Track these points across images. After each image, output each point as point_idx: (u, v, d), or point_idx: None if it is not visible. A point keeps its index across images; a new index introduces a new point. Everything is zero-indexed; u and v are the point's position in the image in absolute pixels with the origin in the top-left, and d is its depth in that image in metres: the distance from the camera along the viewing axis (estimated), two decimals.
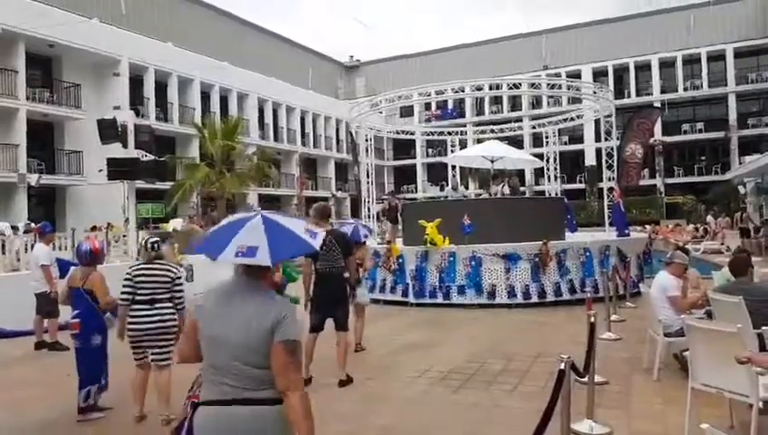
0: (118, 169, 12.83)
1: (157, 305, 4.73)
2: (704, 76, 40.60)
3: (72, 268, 6.58)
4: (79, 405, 4.91)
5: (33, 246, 10.63)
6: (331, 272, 5.55)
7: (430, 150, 46.59)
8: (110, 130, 12.87)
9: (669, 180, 40.07)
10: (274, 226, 2.26)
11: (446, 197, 15.67)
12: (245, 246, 2.14)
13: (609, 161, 14.90)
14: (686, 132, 40.95)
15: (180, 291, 4.87)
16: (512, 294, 10.24)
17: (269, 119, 37.15)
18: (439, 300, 10.49)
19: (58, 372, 6.59)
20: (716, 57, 40.28)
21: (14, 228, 17.58)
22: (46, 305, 7.97)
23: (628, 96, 41.08)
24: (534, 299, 10.21)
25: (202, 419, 2.19)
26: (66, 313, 7.65)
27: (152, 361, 4.80)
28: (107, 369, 5.08)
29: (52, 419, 5.03)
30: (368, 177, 16.93)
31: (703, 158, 40.77)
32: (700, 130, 40.60)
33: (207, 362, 2.22)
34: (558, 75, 35.23)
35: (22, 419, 4.99)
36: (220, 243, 2.21)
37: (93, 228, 19.58)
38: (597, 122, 20.64)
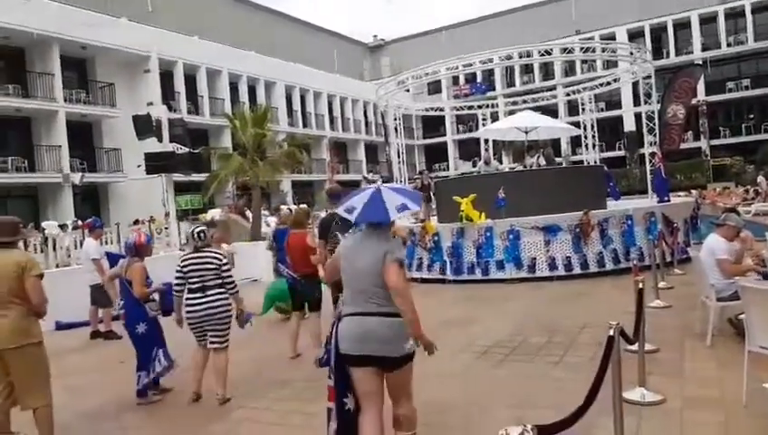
0: (155, 164, 13.12)
1: (208, 293, 4.86)
2: (749, 30, 38.52)
3: (121, 260, 6.80)
4: (136, 389, 5.14)
5: (82, 242, 11.05)
6: None
7: (460, 127, 45.97)
8: (145, 126, 13.15)
9: (715, 142, 38.46)
10: (397, 190, 3.30)
11: (479, 172, 15.40)
12: (398, 205, 3.09)
13: (651, 125, 14.39)
14: (731, 90, 39.08)
15: (230, 276, 4.99)
16: (553, 266, 10.04)
17: (297, 105, 37.32)
18: (478, 276, 10.38)
19: (113, 360, 6.86)
20: (762, 8, 38.09)
21: (62, 226, 18.29)
22: (100, 296, 8.25)
23: (667, 56, 39.42)
24: (577, 270, 9.98)
25: (346, 324, 3.05)
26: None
27: (210, 344, 4.94)
28: (163, 353, 5.22)
29: (107, 403, 5.22)
30: (398, 156, 16.82)
31: (751, 116, 38.93)
32: (746, 88, 38.69)
33: (350, 288, 3.09)
34: (591, 39, 34.09)
35: (80, 403, 5.19)
36: (379, 213, 3.10)
37: (136, 222, 20.20)
38: (635, 86, 19.94)
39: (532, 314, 7.50)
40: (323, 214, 6.06)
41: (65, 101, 24.38)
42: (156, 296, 5.17)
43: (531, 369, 5.21)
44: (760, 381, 3.70)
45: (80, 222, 17.87)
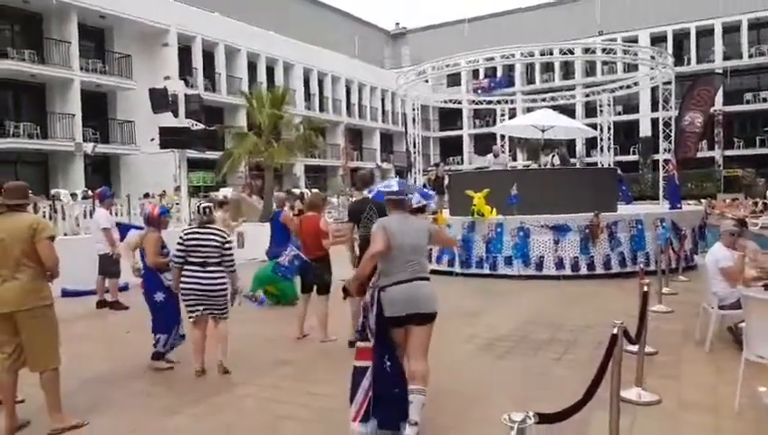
0: (170, 138, 13.18)
1: (208, 269, 4.94)
2: None
3: (133, 230, 6.92)
4: (153, 350, 5.29)
5: (92, 212, 11.19)
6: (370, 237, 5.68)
7: (477, 121, 45.80)
8: (161, 100, 13.19)
9: (728, 152, 38.14)
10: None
11: (488, 165, 15.35)
12: (393, 189, 3.97)
13: (667, 131, 14.33)
14: (748, 102, 38.65)
15: (230, 255, 5.05)
16: (560, 265, 10.10)
17: (314, 89, 37.27)
18: (485, 271, 10.45)
19: (118, 330, 7.00)
20: None
21: (73, 195, 18.48)
22: (108, 266, 8.39)
23: (688, 63, 39.00)
24: (584, 271, 10.04)
25: (398, 290, 3.58)
26: (126, 275, 8.13)
27: (211, 314, 5.07)
28: (179, 323, 5.37)
29: (112, 370, 5.34)
30: (414, 147, 16.84)
31: (766, 129, 38.52)
32: (764, 100, 38.25)
33: (399, 260, 3.63)
34: (614, 41, 33.78)
35: (86, 369, 5.31)
36: (401, 192, 3.98)
37: (146, 195, 20.35)
38: (653, 91, 19.82)
39: (537, 311, 7.58)
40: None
41: (81, 69, 24.45)
42: (172, 265, 5.27)
43: (532, 363, 5.30)
44: (754, 388, 3.77)
45: (90, 192, 18.04)
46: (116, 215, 13.40)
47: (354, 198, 6.69)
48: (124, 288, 8.86)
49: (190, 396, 4.60)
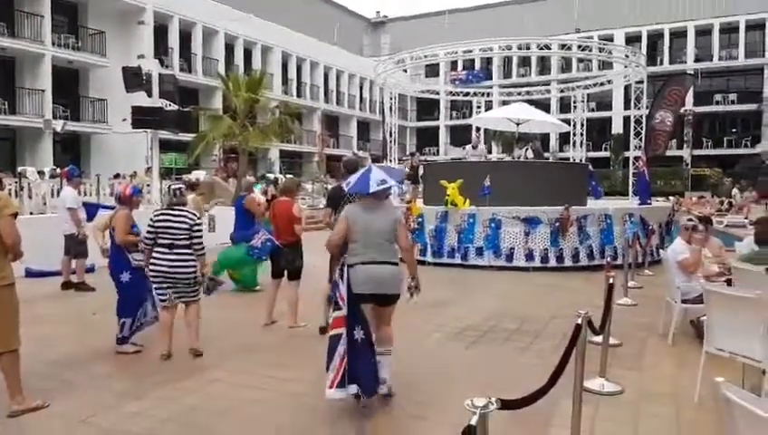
0: (142, 118, 12.89)
1: (175, 250, 4.87)
2: (741, 46, 39.02)
3: (102, 211, 6.76)
4: (117, 335, 5.19)
5: (59, 191, 10.90)
6: None
7: (454, 113, 45.97)
8: (134, 78, 12.88)
9: (697, 152, 39.13)
10: (384, 167, 4.53)
11: (466, 155, 15.47)
12: (378, 180, 3.98)
13: (638, 129, 14.61)
14: (717, 103, 39.67)
15: (199, 237, 4.99)
16: (530, 257, 10.26)
17: (293, 74, 36.88)
18: (457, 261, 10.56)
19: (84, 311, 6.86)
20: (755, 26, 38.61)
21: (41, 173, 17.97)
22: (75, 247, 8.21)
23: (661, 63, 39.78)
24: (552, 263, 10.22)
25: (361, 270, 3.88)
26: (93, 256, 7.95)
27: (181, 299, 5.01)
28: (151, 304, 5.28)
29: (77, 353, 5.24)
30: (390, 136, 16.82)
31: (733, 130, 39.62)
32: (732, 102, 39.32)
33: (363, 243, 3.94)
34: (590, 38, 34.20)
35: (49, 352, 5.20)
36: (364, 185, 4.04)
37: (116, 176, 19.91)
38: (627, 90, 20.14)
39: (506, 302, 7.68)
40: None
41: (53, 45, 23.73)
42: (142, 246, 5.18)
43: (500, 353, 5.38)
44: (714, 380, 3.89)
45: (58, 170, 17.57)
46: (85, 194, 13.10)
47: (331, 185, 6.67)
48: (90, 269, 8.67)
49: (155, 380, 4.53)
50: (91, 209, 8.47)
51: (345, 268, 3.89)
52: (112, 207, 6.58)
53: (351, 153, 38.88)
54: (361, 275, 3.88)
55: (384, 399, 4.03)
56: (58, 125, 23.03)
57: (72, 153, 25.18)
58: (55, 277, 8.54)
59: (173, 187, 5.23)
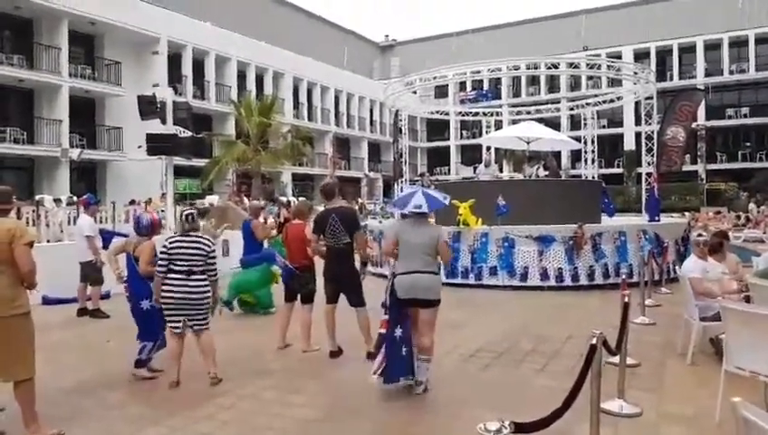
0: (157, 145, 13.11)
1: (193, 277, 4.86)
2: (751, 59, 38.87)
3: (116, 238, 6.83)
4: (135, 358, 5.20)
5: (76, 218, 11.06)
6: (336, 247, 5.71)
7: (464, 132, 46.12)
8: (149, 107, 13.13)
9: (711, 166, 38.78)
10: (427, 194, 4.89)
11: (477, 175, 15.47)
12: (415, 205, 4.68)
13: (649, 145, 14.53)
14: (730, 117, 39.42)
15: (213, 264, 4.99)
16: (544, 276, 10.15)
17: (303, 98, 37.35)
18: (471, 281, 10.46)
19: (99, 338, 6.90)
20: (765, 40, 38.46)
21: (57, 201, 18.25)
22: (91, 274, 8.28)
23: (671, 79, 39.71)
24: (567, 282, 10.10)
25: (403, 279, 4.58)
26: (109, 283, 8.02)
27: (192, 328, 4.99)
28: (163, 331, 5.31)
29: (91, 380, 5.25)
30: (401, 157, 16.90)
31: (747, 144, 39.27)
32: (745, 115, 39.03)
33: (406, 255, 4.63)
34: (598, 56, 34.30)
35: (64, 379, 5.22)
36: (405, 203, 4.80)
37: (132, 202, 20.16)
38: (637, 106, 20.11)
39: (521, 322, 7.60)
40: (322, 208, 6.16)
41: (70, 75, 24.32)
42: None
43: (515, 374, 5.30)
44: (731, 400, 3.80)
45: (75, 198, 17.84)
46: (100, 222, 13.27)
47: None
48: (106, 296, 8.75)
49: (168, 407, 4.53)
50: (107, 236, 8.57)
51: (392, 277, 4.68)
52: (126, 235, 6.67)
53: (363, 174, 39.19)
54: (404, 283, 4.57)
55: (419, 395, 4.64)
56: (74, 154, 23.47)
57: (88, 181, 25.61)
58: (71, 304, 8.60)
59: (185, 212, 5.25)
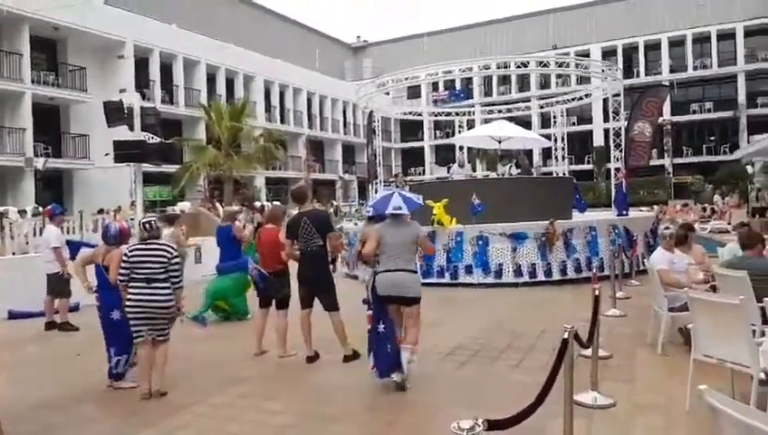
0: (125, 152, 12.80)
1: (153, 285, 4.77)
2: (713, 55, 40.03)
3: (84, 248, 6.66)
4: (109, 372, 5.10)
5: (42, 229, 10.76)
6: (309, 250, 5.68)
7: (438, 132, 46.39)
8: (116, 113, 12.84)
9: (678, 160, 39.76)
10: (404, 195, 5.22)
11: (451, 174, 15.58)
12: (395, 206, 4.93)
13: (618, 141, 14.80)
14: (695, 112, 40.52)
15: (176, 270, 4.91)
16: (518, 272, 10.27)
17: (275, 101, 37.08)
18: (446, 280, 10.52)
19: (68, 352, 6.72)
20: (726, 36, 39.66)
21: (22, 212, 17.76)
22: (58, 286, 8.06)
23: (638, 76, 40.62)
24: (541, 278, 10.24)
25: (384, 277, 4.80)
26: (76, 295, 7.82)
27: (151, 336, 4.89)
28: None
29: (61, 395, 5.11)
30: (375, 158, 16.89)
31: (712, 138, 40.39)
32: (709, 110, 40.16)
33: (388, 254, 4.84)
34: (567, 54, 34.87)
35: (31, 394, 5.08)
36: (384, 206, 5.07)
37: (101, 211, 19.75)
38: (605, 103, 20.48)
39: (496, 319, 7.67)
40: (296, 211, 6.10)
41: (33, 82, 23.70)
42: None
43: (491, 371, 5.34)
44: (698, 388, 3.90)
45: (40, 208, 17.39)
46: (67, 232, 12.94)
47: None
48: (75, 309, 8.54)
49: (142, 418, 4.44)
50: (74, 247, 8.37)
51: (373, 275, 4.95)
52: (94, 245, 6.52)
53: (337, 176, 39.01)
54: (385, 281, 4.78)
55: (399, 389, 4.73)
56: (39, 163, 22.86)
57: (54, 190, 24.97)
58: (39, 318, 8.35)
59: (143, 220, 5.19)
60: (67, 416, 4.56)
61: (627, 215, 12.65)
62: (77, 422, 4.43)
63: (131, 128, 12.89)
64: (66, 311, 8.17)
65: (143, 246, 4.92)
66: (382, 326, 4.78)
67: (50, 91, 24.37)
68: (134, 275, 4.80)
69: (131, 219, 14.94)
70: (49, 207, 9.51)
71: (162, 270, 4.82)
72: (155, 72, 28.84)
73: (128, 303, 4.82)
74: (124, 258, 4.87)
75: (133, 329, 4.89)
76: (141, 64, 28.20)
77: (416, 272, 4.96)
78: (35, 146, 23.50)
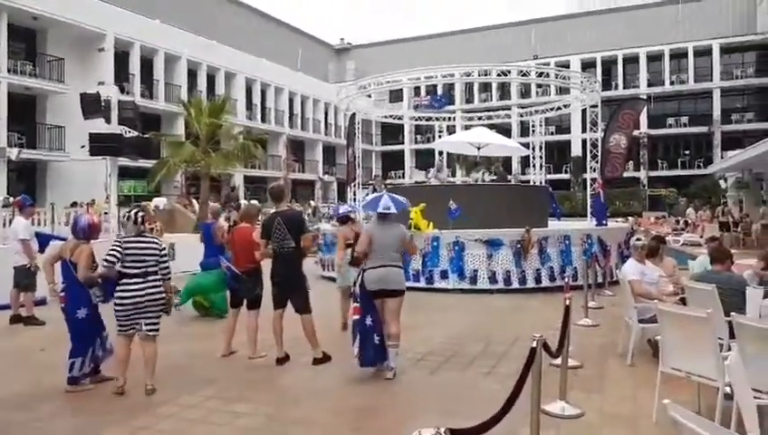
0: (101, 145, 12.59)
1: (149, 278, 4.80)
2: (690, 71, 40.90)
3: (54, 241, 6.48)
4: (67, 375, 4.94)
5: (11, 221, 10.49)
6: (282, 251, 5.64)
7: (418, 137, 46.52)
8: (93, 105, 12.62)
9: (653, 173, 40.49)
10: (392, 197, 6.25)
11: (429, 179, 15.65)
12: (385, 206, 5.37)
13: (594, 151, 15.00)
14: (670, 126, 41.32)
15: (166, 262, 4.94)
16: (493, 279, 10.33)
17: (257, 99, 36.80)
18: (422, 284, 10.52)
19: (33, 347, 6.56)
20: (703, 52, 40.57)
21: None
22: (24, 279, 7.86)
23: (616, 88, 41.30)
24: (515, 285, 10.32)
25: (373, 272, 5.21)
26: (43, 288, 7.61)
27: (145, 331, 4.84)
28: (103, 340, 5.12)
29: (23, 392, 4.98)
30: (355, 160, 16.85)
31: (686, 152, 41.21)
32: (684, 125, 41.00)
33: (377, 252, 5.22)
34: (547, 65, 35.30)
35: None
36: (374, 206, 6.19)
37: (74, 204, 19.35)
38: (583, 114, 20.78)
39: (470, 325, 7.69)
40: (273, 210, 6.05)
41: (9, 71, 23.15)
42: (100, 281, 4.95)
43: (463, 378, 5.35)
44: (662, 402, 3.95)
45: (11, 199, 16.97)
46: (39, 224, 12.65)
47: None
48: (41, 302, 8.32)
49: (106, 418, 4.33)
50: (43, 239, 8.17)
51: (361, 272, 5.28)
52: (64, 238, 6.36)
53: (317, 177, 38.87)
54: (373, 276, 5.17)
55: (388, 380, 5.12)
56: (13, 153, 22.30)
57: (27, 182, 24.39)
58: (4, 311, 8.13)
59: (137, 212, 5.02)
60: (29, 414, 4.44)
61: (606, 225, 12.81)
62: (39, 421, 4.32)
63: (108, 121, 12.68)
64: (32, 305, 7.97)
65: (139, 239, 4.87)
66: (370, 320, 5.11)
67: (27, 81, 23.81)
68: (128, 271, 4.75)
69: (106, 213, 14.72)
70: (18, 198, 9.25)
71: (155, 263, 4.86)
72: (135, 66, 28.40)
73: (123, 296, 4.74)
74: (118, 249, 4.76)
75: (124, 323, 4.81)
76: (122, 58, 27.75)
77: (401, 267, 5.35)
78: (9, 136, 22.96)
